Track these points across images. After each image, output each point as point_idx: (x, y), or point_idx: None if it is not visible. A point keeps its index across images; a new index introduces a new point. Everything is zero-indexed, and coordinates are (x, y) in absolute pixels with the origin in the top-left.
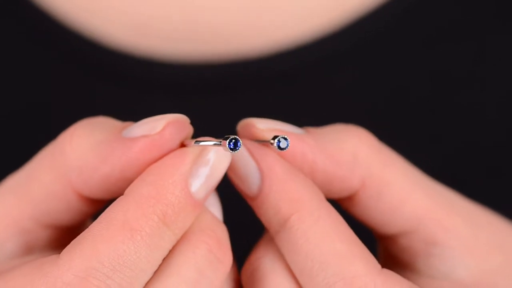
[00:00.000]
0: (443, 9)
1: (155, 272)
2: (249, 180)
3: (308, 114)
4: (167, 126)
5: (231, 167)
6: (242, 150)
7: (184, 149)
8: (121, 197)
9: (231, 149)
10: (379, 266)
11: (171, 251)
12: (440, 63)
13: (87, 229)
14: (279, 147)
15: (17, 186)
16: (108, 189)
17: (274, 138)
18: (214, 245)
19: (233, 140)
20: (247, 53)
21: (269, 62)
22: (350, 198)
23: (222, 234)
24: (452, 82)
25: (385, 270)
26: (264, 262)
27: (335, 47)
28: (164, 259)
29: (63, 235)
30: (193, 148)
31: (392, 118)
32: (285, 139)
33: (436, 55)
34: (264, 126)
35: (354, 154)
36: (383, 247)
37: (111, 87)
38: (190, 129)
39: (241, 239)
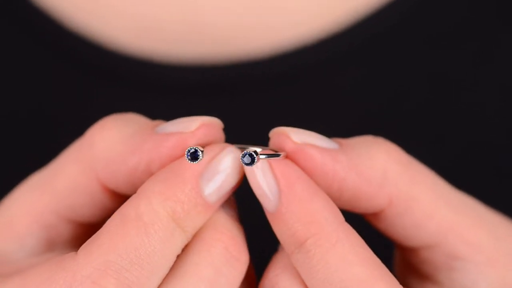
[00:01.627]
0: (445, 10)
1: (171, 271)
2: (267, 195)
3: (311, 116)
4: (200, 126)
5: (251, 179)
6: (263, 163)
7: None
8: (134, 195)
9: (189, 159)
10: (400, 286)
11: (185, 251)
12: (442, 64)
13: (102, 227)
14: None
15: (41, 181)
16: (133, 183)
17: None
18: (230, 242)
19: (192, 151)
20: (249, 54)
21: (272, 63)
22: (375, 214)
23: (237, 233)
24: (454, 83)
25: None
26: (283, 279)
27: (337, 48)
28: (179, 258)
29: (84, 232)
30: (207, 151)
31: (394, 119)
32: (250, 155)
33: (439, 56)
34: (299, 139)
35: (383, 171)
36: (403, 257)
37: (112, 89)
38: (222, 134)
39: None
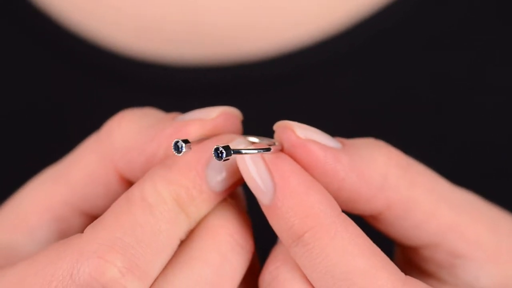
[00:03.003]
0: (445, 10)
1: (175, 256)
2: (261, 188)
3: (311, 116)
4: (220, 115)
5: (243, 172)
6: (256, 157)
7: (208, 139)
8: (140, 179)
9: (176, 151)
10: (402, 275)
11: (190, 237)
12: (443, 65)
13: (108, 209)
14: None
15: (56, 173)
16: None
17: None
18: (235, 230)
19: (177, 143)
20: (249, 55)
21: (272, 64)
22: (374, 216)
23: (242, 221)
24: (455, 83)
25: (409, 278)
26: (284, 271)
27: (338, 49)
28: (184, 244)
29: None
30: (217, 141)
31: (395, 120)
32: (221, 152)
33: (439, 57)
34: (303, 134)
35: (384, 175)
36: (404, 255)
37: (112, 89)
38: (240, 125)
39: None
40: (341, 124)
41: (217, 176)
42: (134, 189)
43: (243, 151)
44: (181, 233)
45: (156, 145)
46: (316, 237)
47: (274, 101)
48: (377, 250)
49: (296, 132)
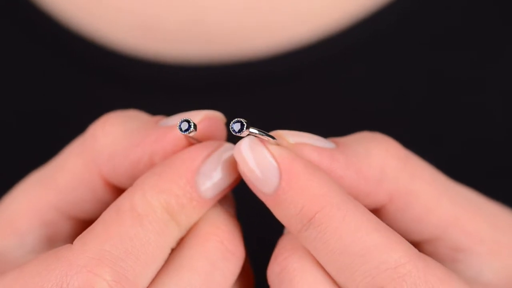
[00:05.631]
0: (446, 10)
1: (165, 265)
2: (266, 176)
3: (311, 115)
4: (204, 119)
5: (242, 166)
6: (260, 147)
7: (197, 145)
8: (130, 187)
9: (182, 130)
10: (416, 250)
11: (180, 245)
12: (442, 64)
13: (98, 218)
14: (233, 130)
15: (43, 177)
16: (135, 177)
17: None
18: (225, 237)
19: (184, 122)
20: (250, 54)
21: (270, 63)
22: (376, 210)
23: (233, 228)
24: (455, 82)
25: (423, 255)
26: (293, 261)
27: (337, 48)
28: (174, 252)
29: (85, 229)
30: (205, 147)
31: (393, 119)
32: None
33: (438, 56)
34: (294, 140)
35: (382, 168)
36: None
37: (114, 89)
38: (224, 128)
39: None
40: (340, 123)
41: (207, 183)
42: (124, 199)
43: (254, 132)
44: (171, 242)
45: (141, 152)
46: (329, 215)
47: (274, 99)
48: (388, 227)
49: (287, 140)
